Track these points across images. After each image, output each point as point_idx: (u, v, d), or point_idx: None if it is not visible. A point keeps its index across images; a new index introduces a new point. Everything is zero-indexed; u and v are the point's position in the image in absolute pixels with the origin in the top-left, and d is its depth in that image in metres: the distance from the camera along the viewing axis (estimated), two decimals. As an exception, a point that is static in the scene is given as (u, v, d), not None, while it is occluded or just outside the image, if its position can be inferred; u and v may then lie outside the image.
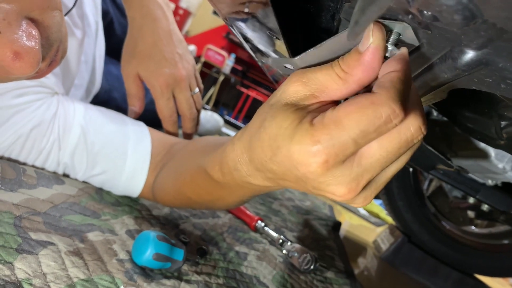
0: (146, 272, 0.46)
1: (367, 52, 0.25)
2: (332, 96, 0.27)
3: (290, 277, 0.66)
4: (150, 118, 0.73)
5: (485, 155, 0.71)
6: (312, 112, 0.27)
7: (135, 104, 0.70)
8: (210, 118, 1.61)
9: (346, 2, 0.29)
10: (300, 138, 0.26)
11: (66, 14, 0.54)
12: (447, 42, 0.26)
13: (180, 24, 4.06)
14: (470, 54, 0.25)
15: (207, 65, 3.63)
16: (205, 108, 2.54)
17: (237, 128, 3.27)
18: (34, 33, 0.33)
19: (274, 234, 0.77)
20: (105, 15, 0.97)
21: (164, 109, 0.69)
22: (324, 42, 0.26)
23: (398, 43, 0.29)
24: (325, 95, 0.27)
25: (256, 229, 0.79)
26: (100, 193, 0.60)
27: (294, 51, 0.36)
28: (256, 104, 3.72)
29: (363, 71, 0.25)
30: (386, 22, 0.26)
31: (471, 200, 1.08)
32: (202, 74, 3.66)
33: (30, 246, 0.39)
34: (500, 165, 0.70)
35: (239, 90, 3.79)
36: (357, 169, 0.26)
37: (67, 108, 0.56)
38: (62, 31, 0.38)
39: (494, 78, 0.27)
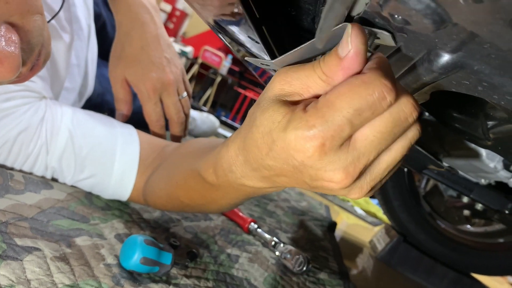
0: (133, 277, 0.46)
1: (347, 59, 0.25)
2: (316, 93, 0.28)
3: (282, 279, 0.66)
4: (139, 120, 0.73)
5: (476, 155, 0.71)
6: (303, 101, 0.28)
7: (123, 108, 0.70)
8: (206, 119, 1.61)
9: (323, 6, 0.29)
10: (295, 125, 0.26)
11: (52, 18, 0.54)
12: (423, 45, 0.26)
13: (177, 26, 4.06)
14: (445, 57, 0.25)
15: (204, 66, 3.62)
16: (201, 110, 2.54)
17: (234, 129, 3.28)
18: (13, 38, 0.33)
19: (267, 236, 0.77)
20: (98, 18, 0.97)
21: (151, 114, 0.69)
22: (300, 47, 0.26)
23: (377, 47, 0.29)
24: (309, 94, 0.28)
25: (249, 231, 0.79)
26: (89, 198, 0.60)
27: (281, 51, 0.36)
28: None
29: (344, 75, 0.25)
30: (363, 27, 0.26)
31: (466, 199, 1.08)
32: (199, 75, 3.66)
33: (14, 252, 0.39)
34: (492, 165, 0.70)
35: (236, 91, 3.79)
36: (353, 152, 0.26)
37: (55, 112, 0.55)
38: (44, 35, 0.38)
39: (471, 80, 0.27)
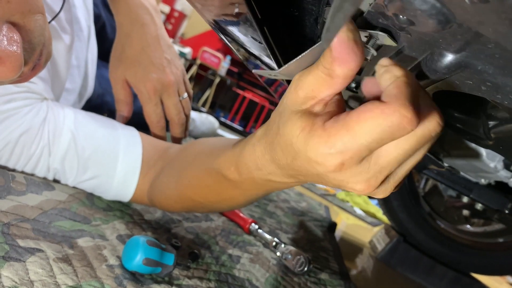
0: (136, 278, 0.46)
1: (333, 48, 0.25)
2: (326, 93, 0.28)
3: (284, 279, 0.66)
4: (140, 121, 0.73)
5: (476, 155, 0.72)
6: (320, 115, 0.28)
7: (123, 109, 0.70)
8: (205, 120, 1.61)
9: (327, 6, 0.29)
10: (315, 144, 0.27)
11: (53, 19, 0.54)
12: (427, 45, 0.26)
13: (176, 27, 4.06)
14: (449, 57, 0.25)
15: (202, 67, 3.62)
16: (200, 111, 2.54)
17: (234, 130, 3.28)
18: (15, 37, 0.33)
19: (268, 237, 0.77)
20: (97, 19, 0.97)
21: (151, 115, 0.69)
22: (306, 52, 0.26)
23: (380, 47, 0.29)
24: (321, 94, 0.28)
25: (250, 232, 0.79)
26: (91, 199, 0.60)
27: (283, 52, 0.36)
28: (253, 106, 3.72)
29: (339, 64, 0.25)
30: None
31: (465, 199, 1.09)
32: (198, 76, 3.66)
33: (17, 254, 0.39)
34: (492, 164, 0.70)
35: (235, 92, 3.79)
36: (375, 167, 0.27)
37: (57, 114, 0.55)
38: (45, 35, 0.38)
39: (474, 80, 0.27)
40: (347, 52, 0.24)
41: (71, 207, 0.54)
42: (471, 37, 0.22)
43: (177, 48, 3.42)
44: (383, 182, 0.29)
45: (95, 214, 0.56)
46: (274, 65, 0.37)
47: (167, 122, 0.73)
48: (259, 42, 0.34)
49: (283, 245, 0.73)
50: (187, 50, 3.47)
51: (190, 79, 3.50)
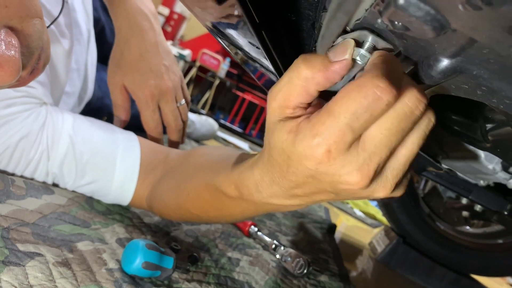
0: (135, 281, 0.46)
1: (339, 64, 0.25)
2: (298, 100, 0.28)
3: (283, 282, 0.66)
4: (138, 124, 0.73)
5: (475, 156, 0.72)
6: (304, 114, 0.29)
7: (121, 114, 0.71)
8: (204, 122, 1.61)
9: (323, 11, 0.29)
10: (301, 137, 0.27)
11: (51, 24, 0.54)
12: (423, 50, 0.26)
13: (175, 29, 4.06)
14: (445, 62, 0.26)
15: (202, 69, 3.62)
16: (200, 113, 2.54)
17: (233, 132, 3.28)
18: (13, 42, 0.33)
19: (267, 239, 0.77)
20: (97, 22, 0.97)
21: (149, 121, 0.69)
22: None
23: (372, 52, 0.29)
24: (293, 103, 0.28)
25: (249, 234, 0.79)
26: (90, 202, 0.60)
27: (281, 55, 0.37)
28: (252, 107, 3.72)
29: (323, 77, 0.26)
30: (359, 32, 0.27)
31: (465, 200, 1.09)
32: (198, 78, 3.66)
33: (17, 258, 0.39)
34: (490, 166, 0.70)
35: (234, 94, 3.79)
36: (363, 153, 0.27)
37: (56, 118, 0.56)
38: (43, 39, 0.38)
39: (470, 85, 0.27)
40: (341, 74, 0.26)
41: (70, 211, 0.54)
42: (466, 43, 0.22)
43: (176, 50, 3.43)
44: (378, 174, 0.28)
45: (94, 217, 0.56)
46: (271, 67, 0.37)
47: (164, 127, 0.73)
48: (257, 47, 0.34)
49: (282, 248, 0.74)
50: (187, 52, 3.47)
51: (190, 81, 3.51)
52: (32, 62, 0.37)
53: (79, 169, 0.56)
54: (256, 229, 0.79)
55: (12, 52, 0.33)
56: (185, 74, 3.56)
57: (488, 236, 1.17)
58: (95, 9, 0.94)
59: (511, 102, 0.26)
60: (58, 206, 0.54)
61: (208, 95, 3.66)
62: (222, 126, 3.11)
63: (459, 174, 0.82)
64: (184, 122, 0.74)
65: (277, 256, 0.73)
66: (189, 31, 4.20)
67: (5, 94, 0.50)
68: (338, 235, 1.29)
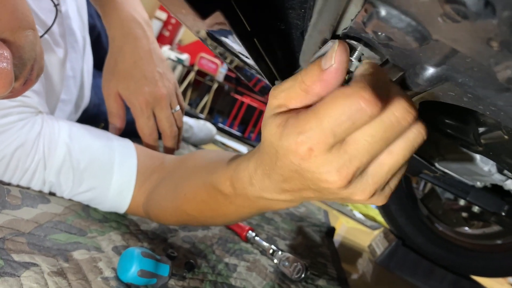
0: (131, 289, 0.46)
1: (328, 72, 0.26)
2: (298, 104, 0.29)
3: (281, 287, 0.66)
4: (133, 130, 0.74)
5: (470, 158, 0.72)
6: (295, 109, 0.29)
7: (116, 122, 0.71)
8: (203, 127, 1.61)
9: (309, 21, 0.29)
10: (287, 132, 0.28)
11: (45, 33, 0.55)
12: (408, 59, 0.27)
13: (173, 34, 4.07)
14: (430, 70, 0.26)
15: (200, 73, 3.63)
16: (198, 117, 2.55)
17: (232, 135, 3.28)
18: (5, 54, 0.33)
19: (265, 244, 0.77)
20: (92, 29, 0.98)
21: (144, 128, 0.70)
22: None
23: (361, 59, 0.29)
24: (292, 104, 0.29)
25: (247, 240, 0.79)
26: (87, 210, 0.60)
27: (274, 62, 0.37)
28: (251, 111, 3.72)
29: (321, 87, 0.27)
30: (349, 41, 0.27)
31: (462, 202, 1.09)
32: (196, 82, 3.67)
33: (12, 268, 0.39)
34: (486, 168, 0.71)
35: (233, 97, 3.80)
36: (344, 155, 0.27)
37: (52, 127, 0.56)
38: (36, 50, 0.38)
39: (456, 92, 0.27)
40: (338, 79, 0.26)
41: (66, 219, 0.54)
42: (449, 52, 0.23)
43: (174, 54, 3.44)
44: (358, 178, 0.29)
45: (91, 225, 0.56)
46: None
47: (159, 133, 0.73)
48: (246, 57, 0.34)
49: (280, 252, 0.74)
50: (185, 56, 3.48)
51: (188, 85, 3.51)
52: (25, 73, 0.37)
53: (76, 177, 0.56)
54: (253, 234, 0.79)
55: (4, 64, 0.33)
56: (183, 78, 3.56)
57: (487, 237, 1.17)
58: (90, 15, 0.95)
59: (496, 109, 0.26)
60: (54, 215, 0.54)
61: (207, 99, 3.66)
62: (221, 130, 3.11)
63: (455, 176, 0.82)
64: (179, 129, 0.75)
65: (275, 261, 0.73)
66: (187, 35, 4.21)
67: (0, 104, 0.51)
68: (337, 237, 1.29)
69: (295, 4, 0.29)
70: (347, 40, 0.28)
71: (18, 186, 0.56)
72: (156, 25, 4.07)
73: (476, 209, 1.08)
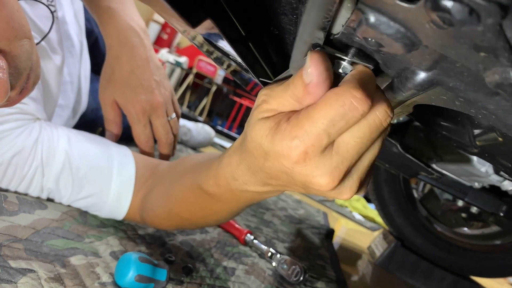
0: (129, 295, 0.46)
1: (310, 86, 0.27)
2: (289, 109, 0.30)
3: (279, 290, 0.66)
4: (129, 135, 0.74)
5: (468, 160, 0.72)
6: (286, 113, 0.30)
7: (113, 129, 0.72)
8: (201, 130, 1.61)
9: (302, 27, 0.29)
10: (280, 137, 0.29)
11: (42, 40, 0.55)
12: (400, 64, 0.27)
13: (171, 37, 4.08)
14: (421, 75, 0.26)
15: (199, 76, 3.64)
16: (197, 120, 2.55)
17: (231, 138, 3.28)
18: (1, 64, 0.34)
19: (264, 247, 0.77)
20: (90, 34, 0.98)
21: (140, 135, 0.70)
22: (279, 76, 0.27)
23: (353, 63, 0.29)
24: (283, 110, 0.30)
25: (245, 243, 0.79)
26: (84, 216, 0.60)
27: (269, 64, 0.37)
28: (250, 113, 3.72)
29: (312, 99, 0.27)
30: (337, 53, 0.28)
31: (461, 202, 1.09)
32: (194, 85, 3.67)
33: (9, 275, 0.40)
34: (483, 169, 0.71)
35: (232, 100, 3.80)
36: (336, 157, 0.28)
37: (50, 134, 0.56)
38: (32, 59, 0.38)
39: (448, 96, 0.28)
40: (323, 89, 0.27)
41: (64, 225, 0.55)
42: (439, 57, 0.23)
43: (173, 57, 3.44)
44: (346, 176, 0.30)
45: (88, 231, 0.56)
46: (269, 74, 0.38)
47: (155, 140, 0.74)
48: (239, 63, 0.34)
49: (278, 255, 0.74)
50: (183, 59, 3.49)
51: (187, 88, 3.51)
52: (21, 82, 0.38)
53: (75, 183, 0.57)
54: (252, 237, 0.79)
55: (0, 74, 0.33)
56: (182, 81, 3.57)
57: (485, 238, 1.17)
58: (87, 20, 0.95)
59: (488, 113, 0.26)
60: (52, 221, 0.54)
61: (206, 101, 3.67)
62: (220, 132, 3.11)
63: (453, 177, 0.82)
64: (175, 136, 0.75)
65: (273, 263, 0.73)
66: (185, 38, 4.21)
67: (-3, 111, 0.51)
68: (337, 239, 1.29)
69: (287, 10, 0.29)
70: (335, 51, 0.28)
71: (15, 192, 0.56)
72: (154, 28, 4.07)
73: (474, 209, 1.08)
